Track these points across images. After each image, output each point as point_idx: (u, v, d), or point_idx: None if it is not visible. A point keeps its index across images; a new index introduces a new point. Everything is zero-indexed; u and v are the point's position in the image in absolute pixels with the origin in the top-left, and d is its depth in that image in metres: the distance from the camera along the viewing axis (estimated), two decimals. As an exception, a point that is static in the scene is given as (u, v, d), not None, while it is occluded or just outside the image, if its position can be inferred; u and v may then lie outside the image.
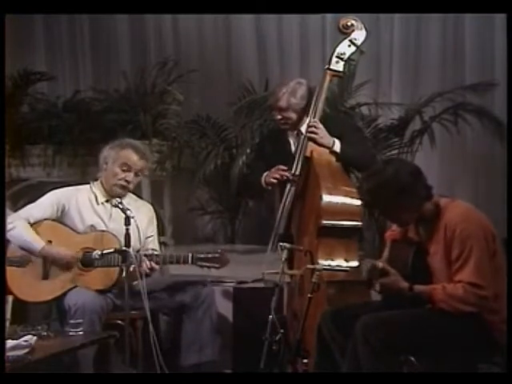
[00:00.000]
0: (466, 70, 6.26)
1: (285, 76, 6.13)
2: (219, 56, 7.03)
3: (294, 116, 4.14)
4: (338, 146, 4.05)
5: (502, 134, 5.55)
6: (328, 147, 4.05)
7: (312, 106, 4.08)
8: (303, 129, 4.09)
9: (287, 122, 4.18)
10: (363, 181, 3.54)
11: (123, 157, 4.16)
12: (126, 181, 4.15)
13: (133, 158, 4.15)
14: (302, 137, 4.06)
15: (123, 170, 4.15)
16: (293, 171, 4.02)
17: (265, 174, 4.16)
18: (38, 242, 4.07)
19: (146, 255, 3.98)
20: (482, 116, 5.74)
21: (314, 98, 4.09)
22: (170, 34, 7.23)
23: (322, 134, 4.05)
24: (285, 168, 4.06)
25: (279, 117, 4.18)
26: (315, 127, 4.04)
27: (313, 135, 4.03)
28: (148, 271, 3.95)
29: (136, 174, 4.18)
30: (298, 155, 4.05)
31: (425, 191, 3.32)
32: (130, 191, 4.24)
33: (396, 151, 5.88)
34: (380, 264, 3.32)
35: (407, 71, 6.49)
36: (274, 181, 4.10)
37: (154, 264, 3.97)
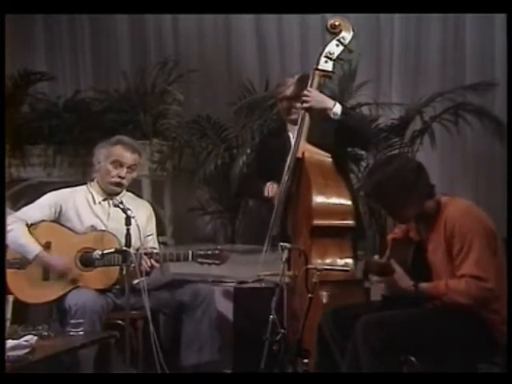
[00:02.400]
0: (466, 69, 6.25)
1: (285, 76, 6.12)
2: (219, 56, 7.03)
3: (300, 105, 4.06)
4: (339, 108, 3.98)
5: (502, 134, 5.54)
6: (328, 108, 3.96)
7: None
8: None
9: (294, 112, 4.11)
10: (366, 175, 3.54)
11: (114, 154, 4.17)
12: (120, 177, 4.16)
13: (123, 153, 4.17)
14: (301, 114, 3.97)
15: (115, 167, 4.16)
16: (288, 161, 3.95)
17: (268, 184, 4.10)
18: (33, 247, 4.05)
19: (145, 253, 3.98)
20: (482, 116, 5.73)
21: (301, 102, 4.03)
22: (170, 34, 7.24)
23: (319, 97, 3.99)
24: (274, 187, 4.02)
25: (287, 105, 4.13)
26: (308, 95, 3.94)
27: (307, 104, 3.95)
28: (148, 269, 3.96)
29: (129, 169, 4.18)
30: (295, 141, 3.97)
31: (427, 189, 3.33)
32: (126, 187, 4.24)
33: (396, 151, 5.87)
34: (376, 257, 3.33)
35: (407, 71, 6.49)
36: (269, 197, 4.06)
37: (154, 262, 3.98)
